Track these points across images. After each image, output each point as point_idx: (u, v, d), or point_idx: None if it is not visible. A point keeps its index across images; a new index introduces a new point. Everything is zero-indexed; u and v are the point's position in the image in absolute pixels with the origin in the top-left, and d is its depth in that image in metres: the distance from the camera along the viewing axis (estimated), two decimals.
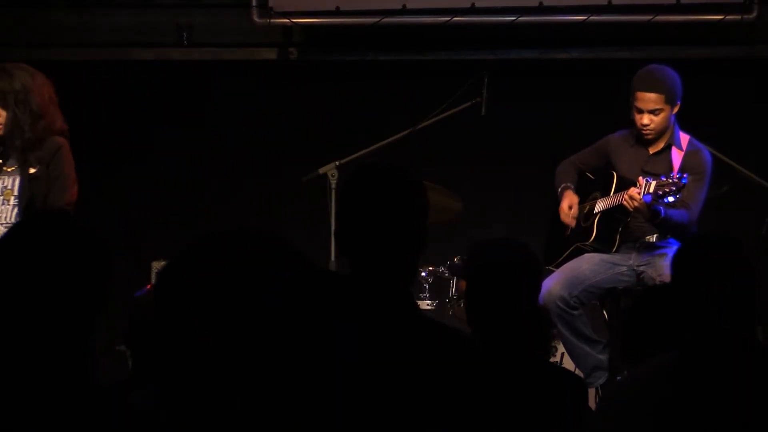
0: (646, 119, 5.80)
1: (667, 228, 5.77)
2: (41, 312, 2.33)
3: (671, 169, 5.78)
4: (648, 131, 5.82)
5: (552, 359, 6.01)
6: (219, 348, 1.64)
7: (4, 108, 5.34)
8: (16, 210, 5.38)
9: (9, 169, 5.38)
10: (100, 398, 2.28)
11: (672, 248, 5.81)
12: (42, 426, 2.21)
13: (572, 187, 6.12)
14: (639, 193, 5.58)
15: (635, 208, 5.66)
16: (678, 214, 5.72)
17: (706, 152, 5.92)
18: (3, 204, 5.37)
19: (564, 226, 6.17)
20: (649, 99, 5.78)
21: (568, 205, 6.08)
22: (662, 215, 5.62)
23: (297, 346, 1.69)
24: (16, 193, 5.38)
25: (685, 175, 5.55)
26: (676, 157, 5.86)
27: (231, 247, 1.69)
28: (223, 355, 1.64)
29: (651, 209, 5.59)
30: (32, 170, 5.38)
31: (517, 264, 3.59)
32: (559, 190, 6.13)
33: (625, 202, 5.69)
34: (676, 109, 5.84)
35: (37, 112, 5.35)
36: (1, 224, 5.36)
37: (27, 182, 5.37)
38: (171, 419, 1.66)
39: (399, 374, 2.42)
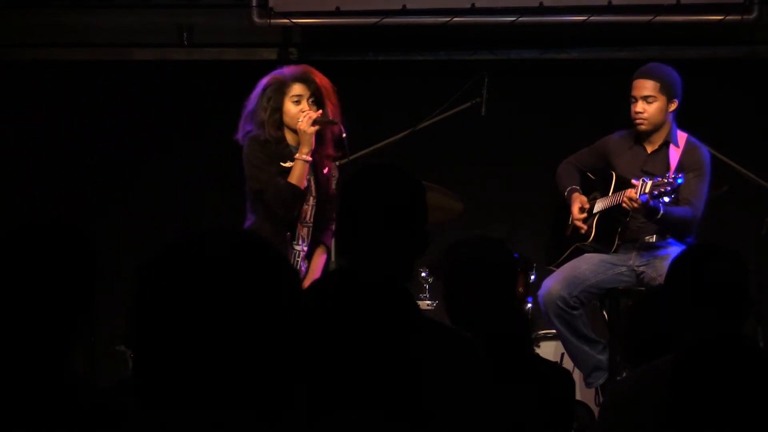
0: (639, 106, 5.79)
1: (668, 225, 5.76)
2: (23, 313, 2.33)
3: (669, 167, 5.77)
4: (641, 120, 5.81)
5: (551, 359, 6.01)
6: (200, 350, 1.63)
7: (316, 104, 5.37)
8: (316, 210, 5.43)
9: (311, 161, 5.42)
10: (82, 400, 2.27)
11: (671, 248, 5.81)
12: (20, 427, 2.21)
13: (578, 189, 6.10)
14: (636, 194, 5.58)
15: (634, 209, 5.66)
16: (680, 210, 5.71)
17: (704, 149, 5.91)
18: (306, 203, 5.42)
19: (564, 225, 6.17)
20: (643, 86, 5.78)
21: (579, 208, 6.04)
22: (662, 212, 5.61)
23: (286, 344, 1.68)
24: (314, 193, 5.43)
25: (680, 175, 5.54)
26: (674, 154, 5.85)
27: (210, 246, 1.69)
28: (205, 360, 1.63)
29: (649, 207, 5.59)
30: (325, 170, 5.44)
31: (490, 261, 3.61)
32: (566, 193, 6.11)
33: (624, 204, 5.68)
34: (672, 107, 5.82)
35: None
36: (306, 224, 5.42)
37: (326, 180, 5.45)
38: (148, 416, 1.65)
39: (400, 374, 2.42)
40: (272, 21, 7.37)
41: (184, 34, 7.70)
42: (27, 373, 2.29)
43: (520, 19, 7.23)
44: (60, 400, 2.26)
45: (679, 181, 5.50)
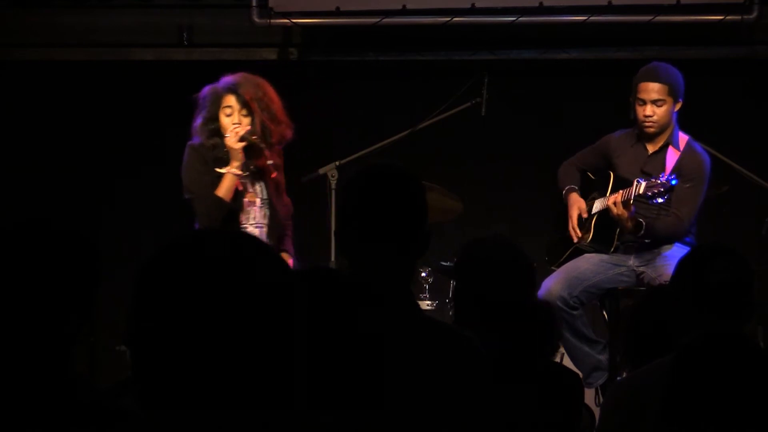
0: (648, 110, 5.77)
1: (653, 239, 5.79)
2: (24, 312, 2.33)
3: (665, 169, 5.77)
4: (650, 123, 5.79)
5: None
6: (200, 349, 1.63)
7: (249, 115, 5.46)
8: (267, 212, 5.56)
9: (245, 174, 5.53)
10: (82, 400, 2.27)
11: (671, 249, 5.82)
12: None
13: (577, 189, 6.10)
14: (621, 197, 5.62)
15: (618, 216, 5.67)
16: (662, 226, 5.72)
17: (704, 156, 5.89)
18: (250, 206, 5.53)
19: (564, 225, 6.17)
20: (651, 89, 5.76)
21: (578, 213, 6.05)
22: (644, 228, 5.65)
23: (285, 344, 1.68)
24: (264, 196, 5.57)
25: (673, 176, 5.54)
26: (672, 157, 5.84)
27: (209, 246, 1.69)
28: (205, 359, 1.63)
29: (634, 222, 5.63)
30: (273, 175, 5.56)
31: (505, 262, 3.59)
32: (564, 192, 6.12)
33: (611, 210, 5.70)
34: (678, 106, 5.82)
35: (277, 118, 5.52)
36: (255, 225, 5.54)
37: (274, 187, 5.58)
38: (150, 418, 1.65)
39: (401, 374, 2.42)
40: (272, 21, 7.37)
41: (184, 34, 7.70)
42: (27, 373, 2.29)
43: (520, 19, 7.23)
44: (60, 400, 2.26)
45: (673, 182, 5.50)
